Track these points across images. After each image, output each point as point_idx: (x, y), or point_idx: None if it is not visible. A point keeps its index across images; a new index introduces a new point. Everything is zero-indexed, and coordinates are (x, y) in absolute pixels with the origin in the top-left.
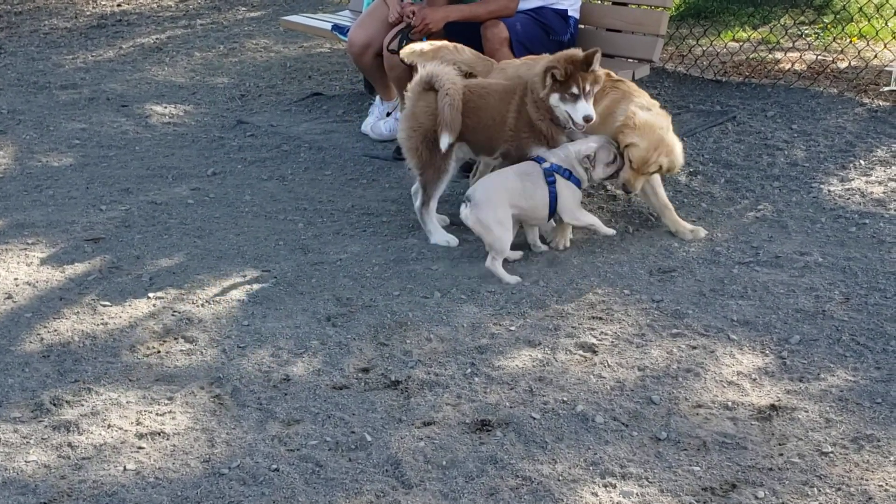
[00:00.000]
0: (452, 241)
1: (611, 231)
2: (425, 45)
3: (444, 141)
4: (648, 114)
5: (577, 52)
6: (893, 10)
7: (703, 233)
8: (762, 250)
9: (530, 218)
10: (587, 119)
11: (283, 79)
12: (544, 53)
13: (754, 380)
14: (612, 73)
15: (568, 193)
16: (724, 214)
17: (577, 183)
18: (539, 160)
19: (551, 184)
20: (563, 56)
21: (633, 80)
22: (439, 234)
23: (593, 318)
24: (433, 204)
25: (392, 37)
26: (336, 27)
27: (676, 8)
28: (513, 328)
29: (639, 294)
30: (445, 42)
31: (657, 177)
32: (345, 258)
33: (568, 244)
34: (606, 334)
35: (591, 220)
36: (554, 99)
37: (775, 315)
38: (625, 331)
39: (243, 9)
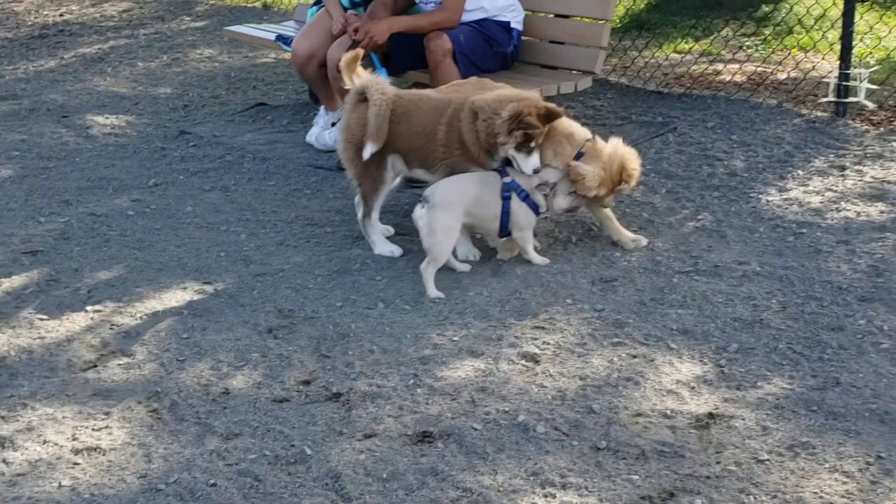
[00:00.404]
0: (396, 251)
1: (544, 260)
2: None
3: (368, 149)
4: (591, 168)
5: (540, 106)
6: (831, 23)
7: (644, 241)
8: (701, 259)
9: (481, 229)
10: (535, 171)
11: (227, 89)
12: (500, 82)
13: (693, 388)
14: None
15: (521, 213)
16: (664, 224)
17: (533, 207)
18: (502, 172)
19: (506, 199)
20: (532, 109)
21: (576, 90)
22: (382, 245)
23: (536, 327)
24: (375, 215)
25: (339, 48)
26: (280, 37)
27: (620, 20)
28: (456, 339)
29: (581, 304)
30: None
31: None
32: (287, 269)
33: (511, 255)
34: (549, 344)
35: (531, 250)
36: (509, 145)
37: (714, 324)
38: (567, 340)
39: (187, 19)
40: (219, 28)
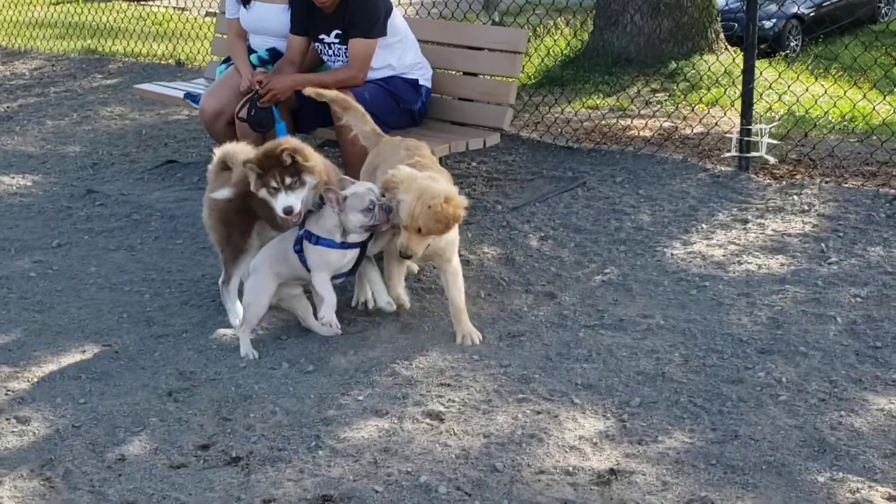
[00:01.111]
0: (229, 332)
1: (333, 329)
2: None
3: (222, 192)
4: (411, 170)
5: (276, 147)
6: (732, 79)
7: (477, 338)
8: (607, 313)
9: (300, 281)
10: (287, 211)
11: (137, 146)
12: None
13: (595, 444)
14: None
15: (315, 257)
16: (572, 278)
17: (329, 243)
18: (301, 227)
19: (297, 252)
20: (260, 151)
21: (485, 146)
22: (236, 316)
23: (442, 384)
24: (234, 283)
25: (241, 105)
26: (188, 95)
27: (534, 76)
28: (360, 398)
29: (488, 359)
30: (358, 105)
31: (456, 272)
32: (191, 330)
33: (378, 301)
34: (454, 401)
35: (327, 298)
36: (263, 192)
37: (617, 378)
38: (472, 397)
39: (99, 76)
40: (131, 85)
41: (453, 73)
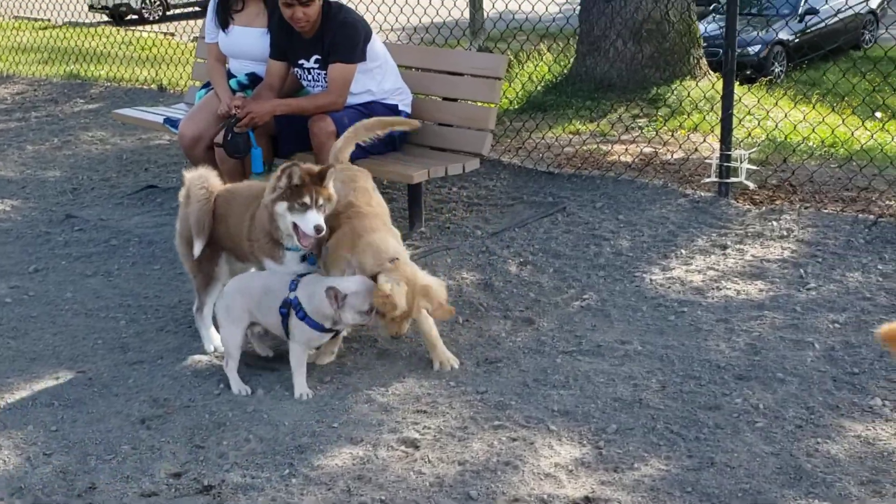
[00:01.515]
0: (219, 349)
1: (305, 395)
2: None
3: (196, 246)
4: (393, 280)
5: (313, 165)
6: (711, 105)
7: (455, 364)
8: (585, 339)
9: (274, 332)
10: (318, 229)
11: (117, 171)
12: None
13: (571, 471)
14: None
15: (298, 330)
16: (551, 304)
17: (316, 326)
18: (293, 285)
19: (284, 315)
20: (304, 168)
21: (464, 172)
22: (209, 343)
23: (418, 411)
24: (207, 310)
25: (219, 130)
26: (168, 120)
27: (517, 101)
28: (335, 425)
29: (464, 386)
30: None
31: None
32: (166, 356)
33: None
34: (430, 428)
35: (297, 372)
36: (281, 207)
37: (594, 404)
38: (448, 424)
39: (81, 101)
40: (112, 110)
41: (433, 98)
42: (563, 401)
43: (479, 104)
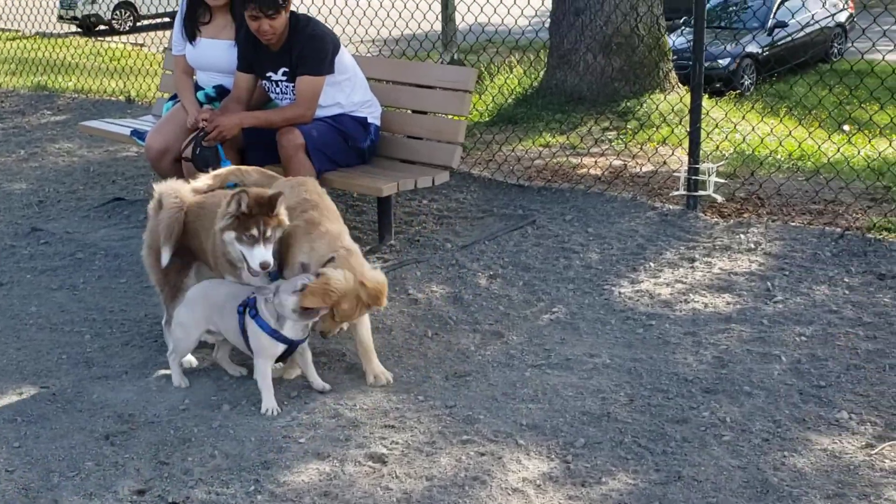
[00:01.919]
0: (193, 362)
1: (272, 410)
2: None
3: (164, 256)
4: (340, 273)
5: (264, 191)
6: (679, 119)
7: (384, 380)
8: (554, 353)
9: (232, 342)
10: (264, 265)
11: (85, 184)
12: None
13: (538, 486)
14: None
15: (251, 334)
16: (520, 317)
17: (265, 327)
18: (257, 290)
19: (240, 313)
20: (253, 193)
21: (434, 185)
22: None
23: (385, 426)
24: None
25: (187, 143)
26: (135, 132)
27: (488, 114)
28: (302, 440)
29: (433, 400)
30: (232, 167)
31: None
32: (131, 371)
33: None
34: (397, 443)
35: (264, 387)
36: (229, 236)
37: (563, 418)
38: (416, 439)
39: (48, 112)
40: (80, 122)
41: (403, 111)
42: (531, 415)
43: (449, 117)
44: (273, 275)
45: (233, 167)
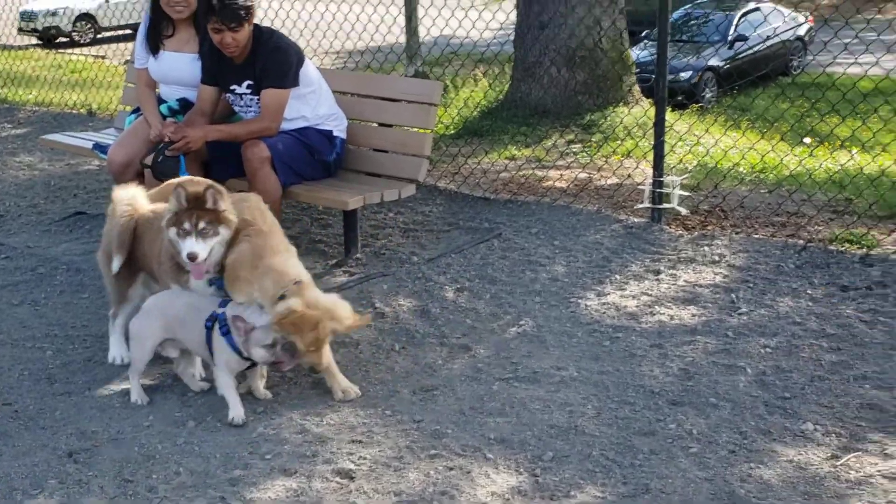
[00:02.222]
0: (124, 358)
1: (239, 418)
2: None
3: (114, 263)
4: (300, 303)
5: (202, 185)
6: (643, 132)
7: (353, 394)
8: (521, 366)
9: (195, 353)
10: (191, 256)
11: (46, 198)
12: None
13: (507, 500)
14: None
15: (218, 350)
16: (487, 330)
17: (234, 347)
18: (222, 303)
19: (208, 328)
20: (189, 186)
21: (400, 198)
22: (115, 349)
23: (353, 441)
24: (120, 321)
25: (149, 152)
26: (97, 146)
27: (454, 127)
28: (269, 457)
29: (400, 414)
30: (183, 178)
31: None
32: (94, 387)
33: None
34: (365, 458)
35: (229, 396)
36: (171, 232)
37: (531, 432)
38: (384, 454)
39: (9, 126)
40: (41, 135)
41: (368, 124)
42: (499, 428)
43: (415, 130)
44: (217, 281)
45: (184, 178)
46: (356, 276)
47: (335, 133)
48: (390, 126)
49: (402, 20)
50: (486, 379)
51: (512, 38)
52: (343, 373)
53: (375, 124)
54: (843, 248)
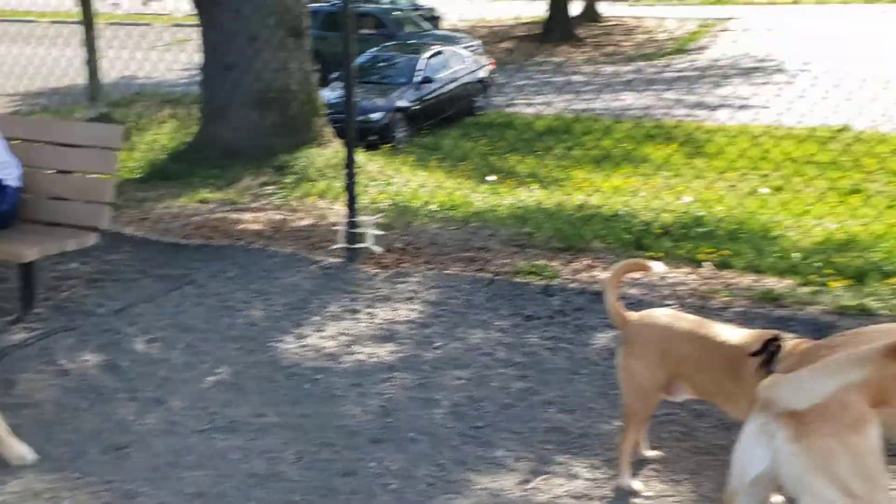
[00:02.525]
0: None
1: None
2: None
3: None
4: None
5: None
6: (338, 172)
7: (29, 458)
8: (219, 415)
9: None
10: None
11: None
12: None
13: None
14: None
15: None
16: (182, 381)
17: None
18: None
19: None
20: None
21: (82, 248)
22: None
23: None
24: None
25: None
26: None
27: (142, 171)
28: None
29: (89, 476)
30: None
31: None
32: None
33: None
34: None
35: None
36: None
37: (229, 483)
38: None
39: None
40: None
41: (45, 171)
42: (197, 482)
43: (96, 176)
44: None
45: None
46: (36, 332)
47: (6, 182)
48: (70, 172)
49: (80, 60)
50: (182, 432)
51: (199, 79)
52: (23, 436)
53: (54, 171)
54: (526, 280)
